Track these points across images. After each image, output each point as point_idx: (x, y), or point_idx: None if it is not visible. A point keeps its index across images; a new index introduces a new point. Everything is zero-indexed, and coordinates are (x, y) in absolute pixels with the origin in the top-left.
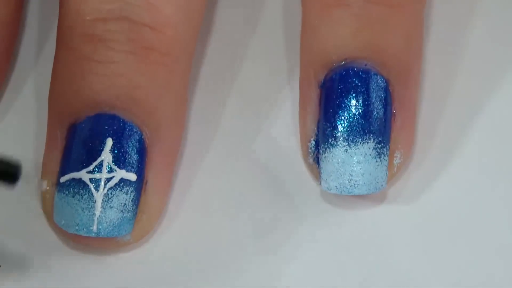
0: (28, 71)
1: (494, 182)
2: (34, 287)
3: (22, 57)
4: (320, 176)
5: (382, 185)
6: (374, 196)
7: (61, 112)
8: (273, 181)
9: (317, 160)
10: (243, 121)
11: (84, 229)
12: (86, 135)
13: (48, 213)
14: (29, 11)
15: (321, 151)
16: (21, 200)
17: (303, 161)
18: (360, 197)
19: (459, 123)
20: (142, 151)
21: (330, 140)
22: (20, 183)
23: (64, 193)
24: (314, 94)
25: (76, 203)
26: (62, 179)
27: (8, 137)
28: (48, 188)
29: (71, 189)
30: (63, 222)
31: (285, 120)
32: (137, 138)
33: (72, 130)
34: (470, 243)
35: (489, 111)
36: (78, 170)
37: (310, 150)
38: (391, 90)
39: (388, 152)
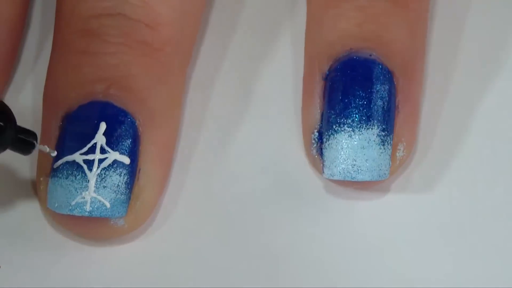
0: (30, 70)
1: (495, 179)
2: (34, 287)
3: (25, 56)
4: (323, 165)
5: (385, 174)
6: (376, 193)
7: (55, 104)
8: (274, 177)
9: (320, 152)
10: (244, 117)
11: (77, 209)
12: (80, 122)
13: (43, 202)
14: (30, 11)
15: (324, 140)
16: (20, 200)
17: (305, 156)
18: (363, 194)
19: (461, 120)
20: (135, 137)
21: (334, 126)
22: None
23: (57, 176)
24: (318, 86)
25: (69, 184)
26: (56, 165)
27: None
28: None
29: (65, 171)
30: (56, 205)
31: (286, 115)
32: (130, 124)
33: (66, 119)
34: (471, 241)
35: (491, 108)
36: (72, 153)
37: (313, 141)
38: (395, 82)
39: (391, 142)
